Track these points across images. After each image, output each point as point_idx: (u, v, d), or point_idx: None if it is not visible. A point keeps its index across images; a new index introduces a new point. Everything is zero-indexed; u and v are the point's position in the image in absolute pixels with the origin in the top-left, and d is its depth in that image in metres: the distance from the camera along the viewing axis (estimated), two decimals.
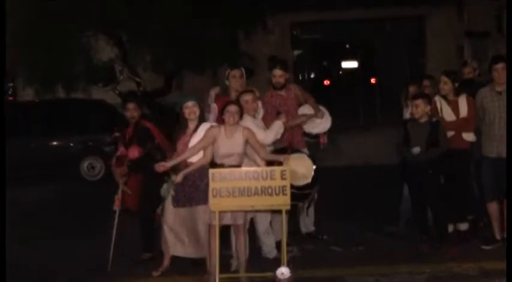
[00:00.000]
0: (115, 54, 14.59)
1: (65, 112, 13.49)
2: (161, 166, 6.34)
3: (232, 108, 6.20)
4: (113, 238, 6.91)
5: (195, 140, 6.40)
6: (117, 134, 7.63)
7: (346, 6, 14.75)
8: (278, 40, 15.59)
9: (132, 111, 7.10)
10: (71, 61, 13.74)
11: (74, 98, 14.12)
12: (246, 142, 6.24)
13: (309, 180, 6.54)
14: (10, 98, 20.00)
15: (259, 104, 6.98)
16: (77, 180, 12.46)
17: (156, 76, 14.39)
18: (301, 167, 6.50)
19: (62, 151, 12.91)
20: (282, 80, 7.24)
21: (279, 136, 6.77)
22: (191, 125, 6.52)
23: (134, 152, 6.89)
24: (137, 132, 7.05)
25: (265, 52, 13.80)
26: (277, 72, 7.25)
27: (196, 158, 6.39)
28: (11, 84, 19.27)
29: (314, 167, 6.56)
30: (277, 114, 6.96)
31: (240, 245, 6.32)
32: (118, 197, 6.98)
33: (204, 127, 6.43)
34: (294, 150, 6.82)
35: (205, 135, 6.28)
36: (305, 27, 17.43)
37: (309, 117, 7.42)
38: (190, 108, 6.50)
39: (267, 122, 6.92)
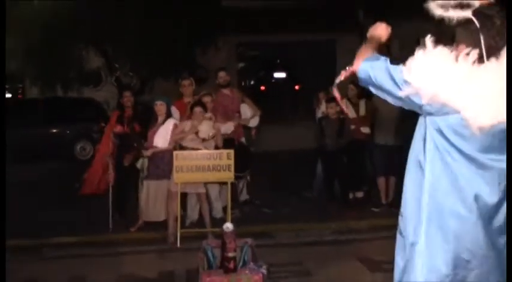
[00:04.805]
0: (101, 63, 14.42)
1: (62, 107, 13.27)
2: (147, 153, 6.38)
3: (199, 109, 6.24)
4: (110, 203, 6.74)
5: (162, 130, 6.36)
6: (103, 124, 7.45)
7: (275, 31, 14.81)
8: (226, 56, 15.53)
9: (128, 98, 6.91)
10: (68, 67, 13.55)
11: (69, 96, 13.86)
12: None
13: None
14: (19, 96, 19.43)
15: None
16: (71, 159, 12.27)
17: (134, 80, 14.24)
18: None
19: (60, 137, 12.72)
20: (226, 80, 7.24)
21: (229, 132, 6.85)
22: (159, 119, 6.48)
23: (136, 128, 6.71)
24: (136, 113, 6.87)
25: (216, 65, 13.75)
26: (222, 73, 7.29)
27: (160, 144, 6.37)
28: (21, 85, 18.74)
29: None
30: (226, 112, 6.97)
31: (204, 210, 6.32)
32: (111, 173, 6.73)
33: (170, 122, 6.41)
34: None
35: (178, 128, 6.32)
36: (246, 47, 17.42)
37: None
38: (158, 107, 6.48)
39: (217, 117, 6.91)
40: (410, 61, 2.06)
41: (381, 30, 2.43)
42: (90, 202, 7.44)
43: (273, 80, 19.45)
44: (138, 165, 6.54)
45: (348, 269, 5.09)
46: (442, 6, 2.06)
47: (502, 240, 2.09)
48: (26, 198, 8.15)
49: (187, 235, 6.06)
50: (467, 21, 2.04)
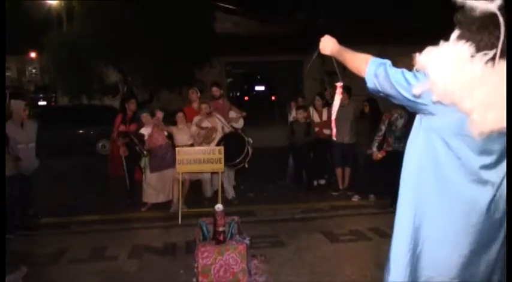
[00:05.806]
0: (118, 78, 14.27)
1: (87, 112, 12.99)
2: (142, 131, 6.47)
3: (180, 114, 6.37)
4: (127, 182, 6.67)
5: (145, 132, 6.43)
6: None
7: (256, 53, 14.78)
8: (218, 72, 15.46)
9: (133, 104, 6.87)
10: (91, 81, 13.40)
11: (93, 104, 13.65)
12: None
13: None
14: (52, 104, 19.08)
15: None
16: (94, 154, 12.09)
17: (144, 92, 14.11)
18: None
19: (86, 136, 12.49)
20: (217, 93, 7.20)
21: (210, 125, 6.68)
22: (145, 125, 6.51)
23: (133, 127, 6.66)
24: (135, 116, 6.79)
25: (211, 79, 13.71)
26: (215, 88, 7.24)
27: (145, 132, 6.38)
28: (54, 95, 18.43)
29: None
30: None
31: (206, 191, 6.43)
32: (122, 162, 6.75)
33: (151, 125, 6.44)
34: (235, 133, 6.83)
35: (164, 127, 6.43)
36: (234, 65, 17.37)
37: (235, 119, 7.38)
38: (144, 117, 6.53)
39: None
40: (431, 52, 1.58)
41: (331, 42, 1.95)
42: (109, 187, 7.34)
43: (255, 92, 19.46)
44: (142, 164, 6.47)
45: (313, 240, 5.09)
46: None
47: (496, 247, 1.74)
48: (58, 185, 8.02)
49: (187, 214, 6.00)
50: (488, 16, 1.53)
